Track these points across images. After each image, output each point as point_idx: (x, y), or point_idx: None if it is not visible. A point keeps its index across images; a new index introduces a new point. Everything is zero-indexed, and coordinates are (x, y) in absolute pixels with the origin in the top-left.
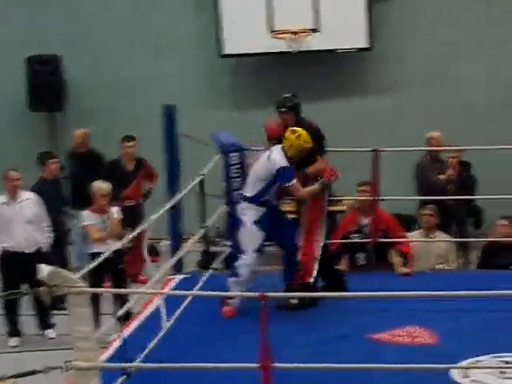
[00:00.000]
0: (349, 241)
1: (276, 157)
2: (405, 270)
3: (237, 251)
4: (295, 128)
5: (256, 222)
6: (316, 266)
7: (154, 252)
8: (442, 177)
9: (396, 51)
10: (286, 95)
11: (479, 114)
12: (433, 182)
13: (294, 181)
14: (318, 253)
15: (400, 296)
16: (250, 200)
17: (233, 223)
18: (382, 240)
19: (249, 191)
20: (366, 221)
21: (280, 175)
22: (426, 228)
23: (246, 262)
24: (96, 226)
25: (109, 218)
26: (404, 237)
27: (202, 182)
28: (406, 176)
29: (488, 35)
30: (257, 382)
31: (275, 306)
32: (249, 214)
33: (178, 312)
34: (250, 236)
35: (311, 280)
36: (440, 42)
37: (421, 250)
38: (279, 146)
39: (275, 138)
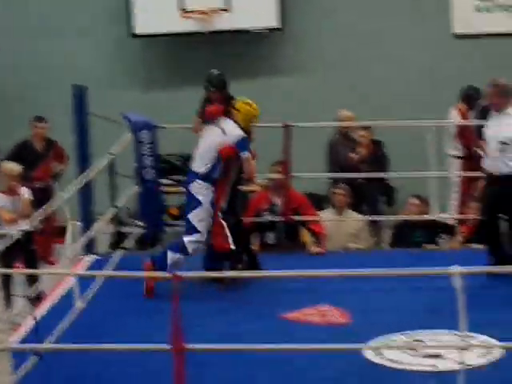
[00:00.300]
0: (259, 219)
1: (233, 129)
2: (317, 249)
3: (187, 228)
4: (246, 100)
5: (211, 203)
6: (227, 232)
7: (63, 233)
8: (353, 155)
9: (307, 31)
10: (216, 73)
11: (389, 93)
12: (344, 160)
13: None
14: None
15: (312, 276)
16: (204, 178)
17: (188, 201)
18: (292, 218)
19: (199, 166)
20: (277, 200)
21: (240, 144)
22: (338, 207)
23: (198, 239)
24: (6, 208)
25: (19, 200)
26: (316, 216)
27: (111, 162)
28: (319, 154)
29: (396, 16)
30: (170, 363)
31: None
32: (205, 194)
33: (90, 293)
34: (207, 216)
35: (232, 246)
36: (349, 22)
37: (332, 229)
38: (228, 120)
39: (215, 118)
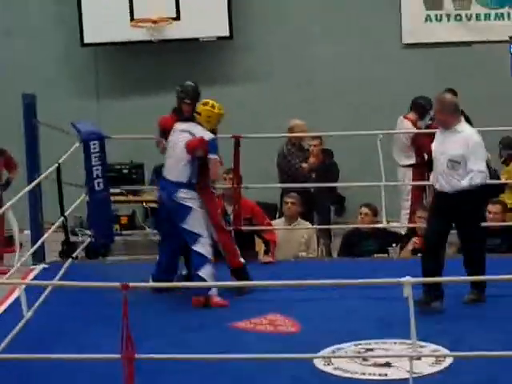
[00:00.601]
0: None
1: (201, 132)
2: (266, 258)
3: (191, 239)
4: (204, 100)
5: (201, 206)
6: (236, 247)
7: (14, 242)
8: (304, 165)
9: (256, 39)
10: (193, 85)
11: (339, 102)
12: (295, 170)
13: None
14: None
15: (260, 285)
16: (187, 187)
17: (176, 213)
18: (241, 228)
19: (178, 176)
20: (230, 209)
21: (212, 146)
22: (288, 216)
23: (205, 242)
24: None
25: None
26: (268, 224)
27: (59, 170)
28: (270, 164)
29: (346, 24)
30: (119, 373)
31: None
32: (193, 200)
33: (39, 302)
34: (203, 218)
35: (242, 260)
36: (298, 30)
37: (283, 239)
38: (192, 123)
39: (168, 129)
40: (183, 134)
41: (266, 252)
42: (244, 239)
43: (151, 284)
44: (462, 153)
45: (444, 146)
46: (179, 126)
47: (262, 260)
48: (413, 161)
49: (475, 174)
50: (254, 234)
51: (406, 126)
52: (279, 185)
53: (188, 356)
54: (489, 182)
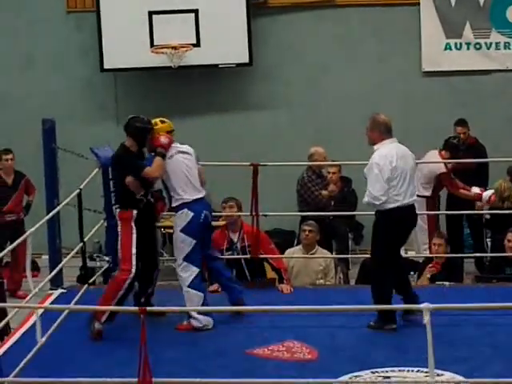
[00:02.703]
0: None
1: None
2: (284, 286)
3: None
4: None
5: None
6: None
7: (34, 267)
8: (324, 192)
9: (275, 67)
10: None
11: (358, 130)
12: (315, 197)
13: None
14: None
15: (276, 310)
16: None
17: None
18: (257, 256)
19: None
20: (235, 237)
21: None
22: (306, 244)
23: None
24: None
25: None
26: (273, 249)
27: (79, 196)
28: (288, 192)
29: (364, 55)
30: None
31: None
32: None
33: (55, 326)
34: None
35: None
36: (318, 59)
37: (301, 266)
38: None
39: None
40: (189, 157)
41: (281, 281)
42: (255, 266)
43: (168, 308)
44: (365, 171)
45: None
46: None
47: (280, 288)
48: (426, 192)
49: (367, 192)
50: (263, 261)
51: (433, 159)
52: (298, 213)
53: (206, 381)
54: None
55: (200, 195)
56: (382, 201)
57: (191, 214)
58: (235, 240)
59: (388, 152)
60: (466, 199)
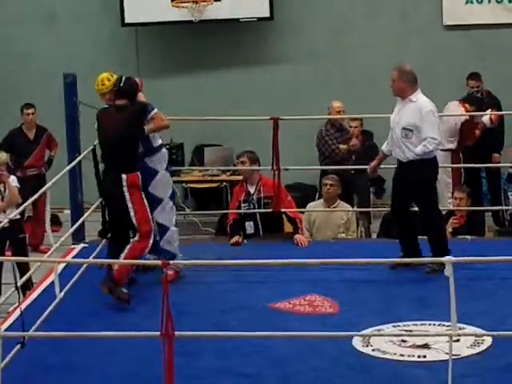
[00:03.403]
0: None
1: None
2: (299, 237)
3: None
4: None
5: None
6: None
7: (55, 221)
8: (342, 146)
9: (296, 21)
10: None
11: (379, 83)
12: (332, 151)
13: None
14: None
15: (299, 264)
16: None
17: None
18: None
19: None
20: (252, 189)
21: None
22: (327, 198)
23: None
24: None
25: (6, 188)
26: (290, 201)
27: (94, 150)
28: (309, 146)
29: (387, 7)
30: (158, 351)
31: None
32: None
33: (76, 280)
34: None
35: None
36: (339, 12)
37: (322, 220)
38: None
39: None
40: None
41: (296, 230)
42: (272, 219)
43: (191, 262)
44: (414, 121)
45: (399, 116)
46: None
47: (298, 241)
48: (454, 146)
49: (428, 141)
50: (281, 214)
51: (459, 111)
52: (318, 167)
53: (227, 333)
54: None
55: None
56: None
57: (167, 153)
58: (252, 192)
59: (428, 100)
60: (483, 153)
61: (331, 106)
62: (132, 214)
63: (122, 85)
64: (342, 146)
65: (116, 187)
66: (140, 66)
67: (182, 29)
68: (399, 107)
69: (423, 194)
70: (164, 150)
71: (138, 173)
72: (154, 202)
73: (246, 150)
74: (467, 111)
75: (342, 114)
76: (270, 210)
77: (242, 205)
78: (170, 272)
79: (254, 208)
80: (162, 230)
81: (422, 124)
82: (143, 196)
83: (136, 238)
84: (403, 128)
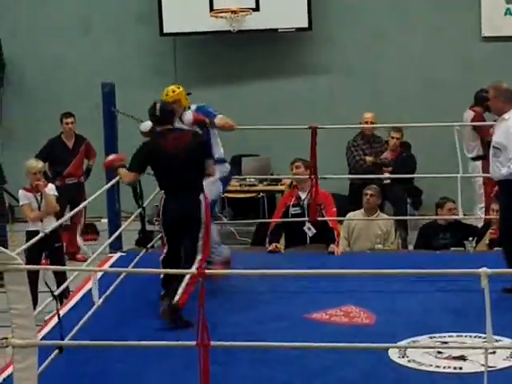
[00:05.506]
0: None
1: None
2: (334, 248)
3: None
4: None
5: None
6: None
7: (93, 230)
8: (368, 158)
9: (334, 32)
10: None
11: (411, 97)
12: (356, 163)
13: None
14: None
15: (335, 274)
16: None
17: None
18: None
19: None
20: (304, 195)
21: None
22: (367, 208)
23: None
24: (30, 205)
25: (43, 196)
26: (334, 213)
27: None
28: (341, 156)
29: (423, 20)
30: (194, 360)
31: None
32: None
33: (113, 289)
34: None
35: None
36: (377, 24)
37: (361, 230)
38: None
39: None
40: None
41: (331, 240)
42: (321, 230)
43: (228, 271)
44: (501, 140)
45: (494, 134)
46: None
47: (334, 250)
48: (477, 153)
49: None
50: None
51: (469, 117)
52: (356, 176)
53: (262, 344)
54: None
55: None
56: None
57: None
58: (303, 197)
59: None
60: None
61: (364, 117)
62: (201, 235)
63: (158, 114)
64: (368, 158)
65: (195, 209)
66: (177, 75)
67: (220, 39)
68: (496, 125)
69: (506, 215)
70: (227, 164)
71: None
72: None
73: (293, 158)
74: (476, 112)
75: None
76: (306, 219)
77: (292, 209)
78: (218, 266)
79: (304, 213)
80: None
81: (508, 144)
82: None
83: (196, 264)
84: (493, 146)
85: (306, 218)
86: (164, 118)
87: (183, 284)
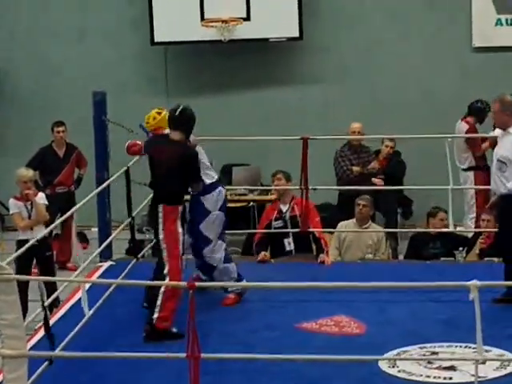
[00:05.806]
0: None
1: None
2: (325, 257)
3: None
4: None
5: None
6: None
7: (83, 239)
8: (355, 168)
9: (325, 41)
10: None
11: (406, 105)
12: (343, 173)
13: None
14: None
15: (325, 287)
16: None
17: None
18: (312, 230)
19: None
20: (284, 208)
21: None
22: (359, 218)
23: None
24: (21, 214)
25: (33, 205)
26: (318, 222)
27: (127, 170)
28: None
29: (416, 28)
30: (184, 372)
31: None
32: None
33: (103, 299)
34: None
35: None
36: (367, 33)
37: (353, 240)
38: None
39: None
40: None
41: (319, 251)
42: (303, 240)
43: (218, 283)
44: (507, 154)
45: (498, 147)
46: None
47: (324, 260)
48: (469, 164)
49: None
50: (310, 234)
51: (462, 128)
52: (348, 187)
53: (253, 356)
54: None
55: None
56: None
57: (224, 191)
58: (284, 210)
59: None
60: None
61: (351, 128)
62: (163, 246)
63: (177, 114)
64: (355, 168)
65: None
66: (168, 84)
67: (211, 48)
68: (500, 138)
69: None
70: (220, 188)
71: (180, 207)
72: (203, 240)
73: (277, 169)
74: (470, 125)
75: (359, 135)
76: (297, 230)
77: (274, 222)
78: (232, 296)
79: (286, 226)
80: (210, 268)
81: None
82: (179, 231)
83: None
84: (498, 160)
85: (289, 230)
86: (180, 123)
87: (158, 301)
